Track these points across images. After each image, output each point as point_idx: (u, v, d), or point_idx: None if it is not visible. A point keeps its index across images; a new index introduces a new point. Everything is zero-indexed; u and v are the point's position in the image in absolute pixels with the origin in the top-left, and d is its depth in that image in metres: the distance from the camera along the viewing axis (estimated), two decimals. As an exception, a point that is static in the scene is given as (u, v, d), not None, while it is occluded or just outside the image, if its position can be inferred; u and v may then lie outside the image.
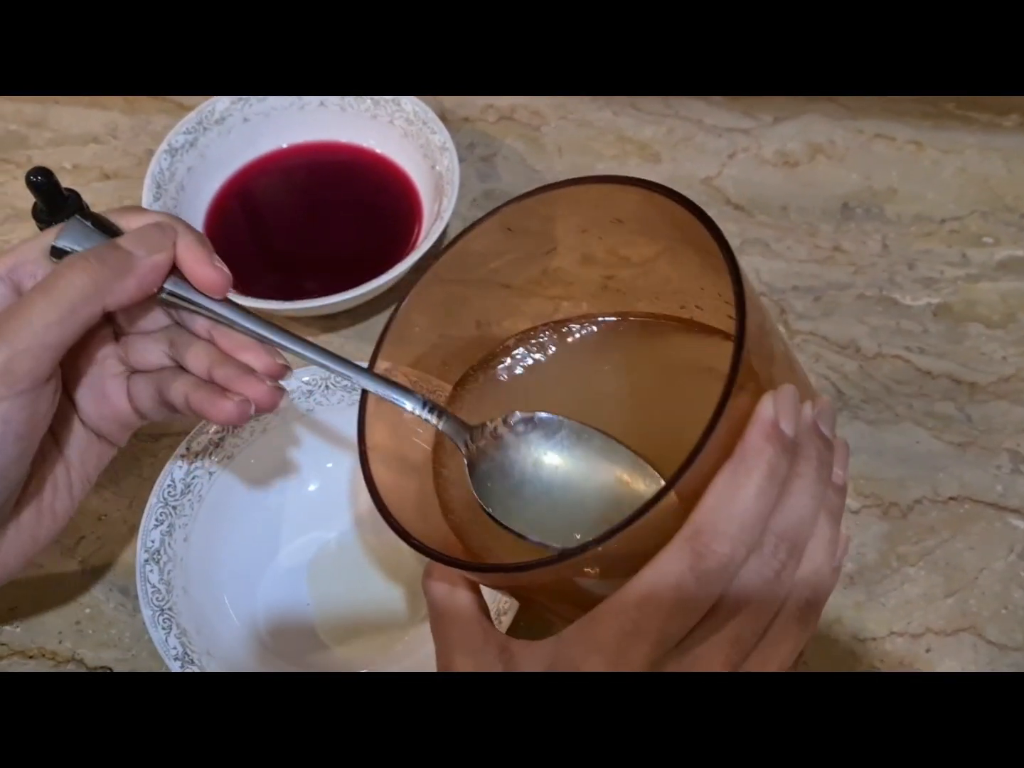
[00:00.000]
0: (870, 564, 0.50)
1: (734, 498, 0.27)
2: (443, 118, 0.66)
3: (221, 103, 0.59)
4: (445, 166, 0.57)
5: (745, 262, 0.50)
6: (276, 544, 0.49)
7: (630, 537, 0.26)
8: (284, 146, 0.62)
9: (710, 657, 0.28)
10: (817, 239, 0.61)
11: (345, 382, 0.49)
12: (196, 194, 0.59)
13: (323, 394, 0.49)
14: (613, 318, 0.40)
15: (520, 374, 0.40)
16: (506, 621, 0.42)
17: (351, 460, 0.48)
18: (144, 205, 0.55)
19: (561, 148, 0.66)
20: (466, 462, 0.36)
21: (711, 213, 0.30)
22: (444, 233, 0.62)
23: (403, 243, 0.58)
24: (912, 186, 0.64)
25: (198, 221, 0.59)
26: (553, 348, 0.40)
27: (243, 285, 0.57)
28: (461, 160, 0.64)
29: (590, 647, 0.28)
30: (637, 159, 0.65)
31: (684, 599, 0.27)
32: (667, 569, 0.27)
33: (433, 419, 0.36)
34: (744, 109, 0.67)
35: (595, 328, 0.40)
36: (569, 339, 0.40)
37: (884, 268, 0.60)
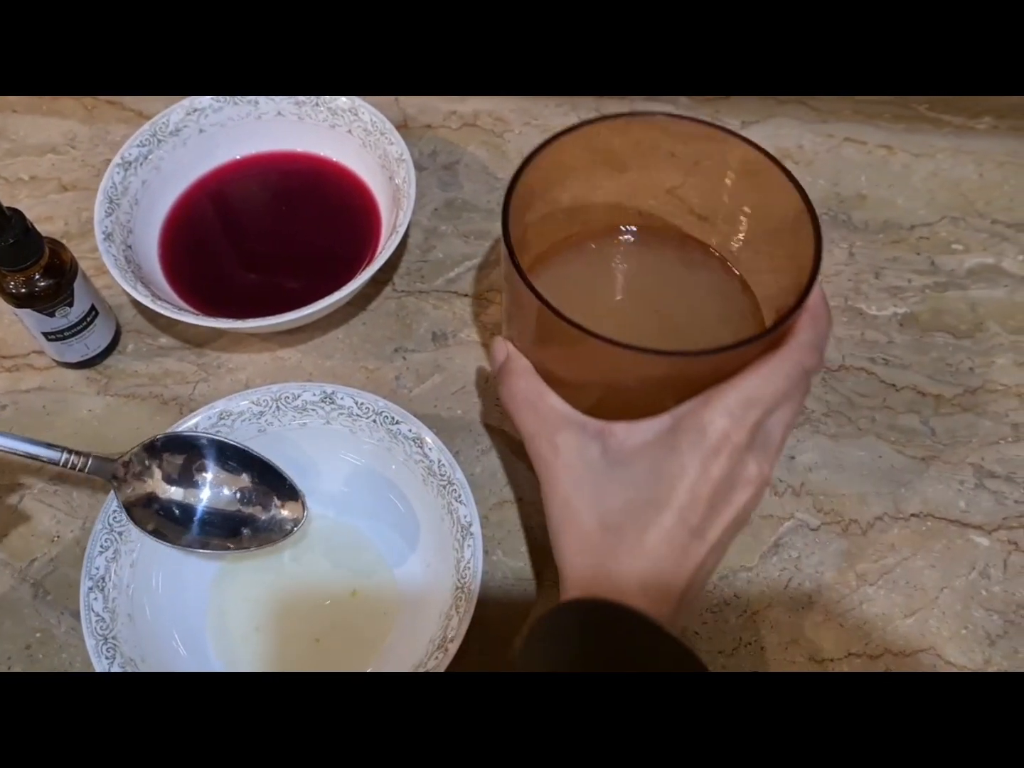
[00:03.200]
0: (828, 583, 0.50)
1: (820, 330, 0.41)
2: (405, 125, 0.65)
3: (175, 114, 0.58)
4: (402, 178, 0.56)
5: (701, 278, 0.50)
6: (226, 568, 0.48)
7: (736, 355, 0.39)
8: (240, 157, 0.61)
9: (788, 419, 0.41)
10: (783, 248, 0.60)
11: (295, 403, 0.49)
12: (151, 208, 0.58)
13: (273, 415, 0.49)
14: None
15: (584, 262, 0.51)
16: (452, 648, 0.42)
17: (301, 481, 0.48)
18: (96, 221, 0.55)
19: (524, 155, 0.65)
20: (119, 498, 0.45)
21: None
22: (403, 245, 0.61)
23: (360, 256, 0.58)
24: (881, 192, 0.63)
25: (153, 235, 0.58)
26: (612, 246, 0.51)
27: (196, 301, 0.56)
28: (423, 168, 0.64)
29: (718, 411, 0.38)
30: (605, 168, 0.64)
31: (789, 382, 0.39)
32: (779, 364, 0.39)
33: (79, 465, 0.45)
34: (711, 114, 0.66)
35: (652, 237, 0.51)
36: (620, 239, 0.51)
37: (850, 277, 0.59)
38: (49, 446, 0.45)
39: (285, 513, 0.47)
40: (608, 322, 0.41)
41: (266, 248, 0.59)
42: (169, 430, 0.47)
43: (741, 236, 0.49)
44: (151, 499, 0.46)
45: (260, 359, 0.57)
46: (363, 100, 0.59)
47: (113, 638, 0.43)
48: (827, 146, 0.65)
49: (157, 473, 0.47)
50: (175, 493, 0.46)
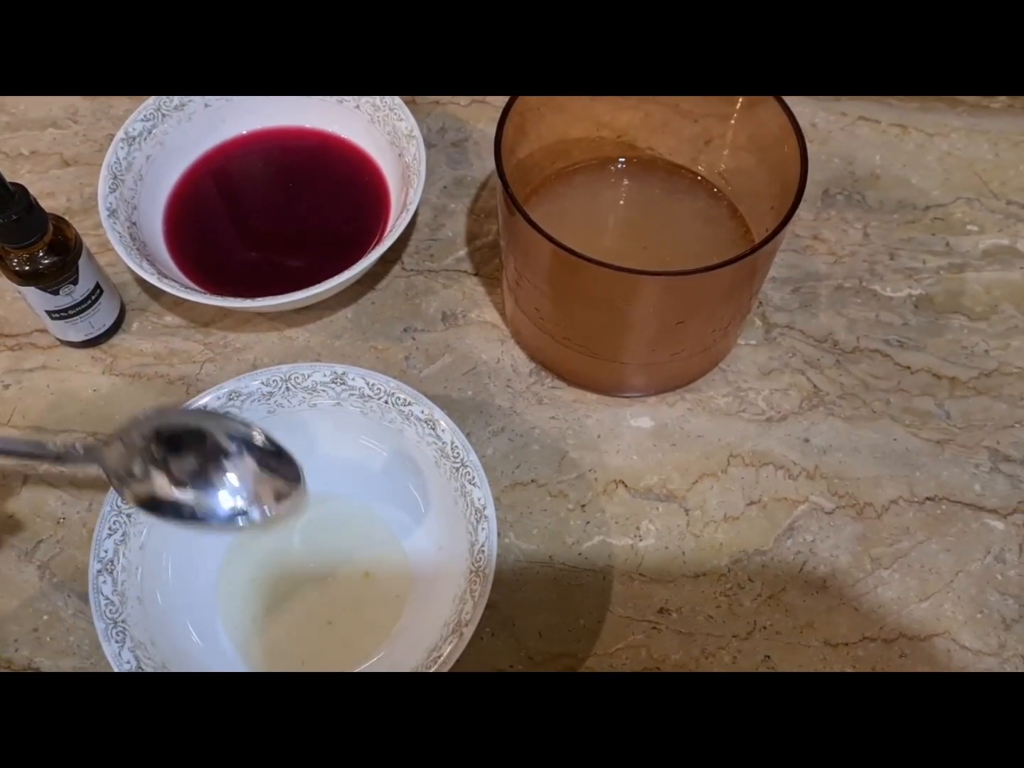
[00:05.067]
0: (843, 567, 0.49)
1: None
2: (413, 101, 0.64)
3: (180, 88, 0.57)
4: (412, 155, 0.55)
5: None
6: (235, 550, 0.48)
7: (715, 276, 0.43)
8: (246, 132, 0.60)
9: None
10: (796, 227, 0.59)
11: (305, 383, 0.48)
12: (156, 184, 0.57)
13: (283, 395, 0.48)
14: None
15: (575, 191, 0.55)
16: (467, 633, 0.42)
17: (311, 463, 0.47)
18: (100, 196, 0.54)
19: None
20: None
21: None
22: (412, 223, 0.60)
23: (369, 234, 0.57)
24: (896, 171, 0.62)
25: (157, 212, 0.57)
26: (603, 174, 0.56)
27: (202, 279, 0.55)
28: (432, 145, 0.63)
29: None
30: (611, 146, 0.63)
31: None
32: None
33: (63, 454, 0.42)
34: (724, 91, 0.65)
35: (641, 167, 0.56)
36: (613, 169, 0.56)
37: (864, 258, 0.59)
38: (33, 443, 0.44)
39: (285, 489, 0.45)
40: (601, 247, 0.45)
41: (273, 226, 0.58)
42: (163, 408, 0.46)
43: (728, 157, 0.54)
44: (147, 481, 0.43)
45: (267, 339, 0.56)
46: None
47: (123, 621, 0.43)
48: (841, 124, 0.64)
49: (153, 454, 0.43)
50: (174, 472, 0.43)
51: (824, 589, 0.49)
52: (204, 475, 0.44)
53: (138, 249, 0.53)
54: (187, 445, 0.44)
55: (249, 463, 0.43)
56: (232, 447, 0.44)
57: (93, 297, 0.53)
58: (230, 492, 0.43)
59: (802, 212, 0.60)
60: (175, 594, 0.46)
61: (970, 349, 0.56)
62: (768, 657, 0.47)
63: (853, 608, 0.48)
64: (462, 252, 0.59)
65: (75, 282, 0.51)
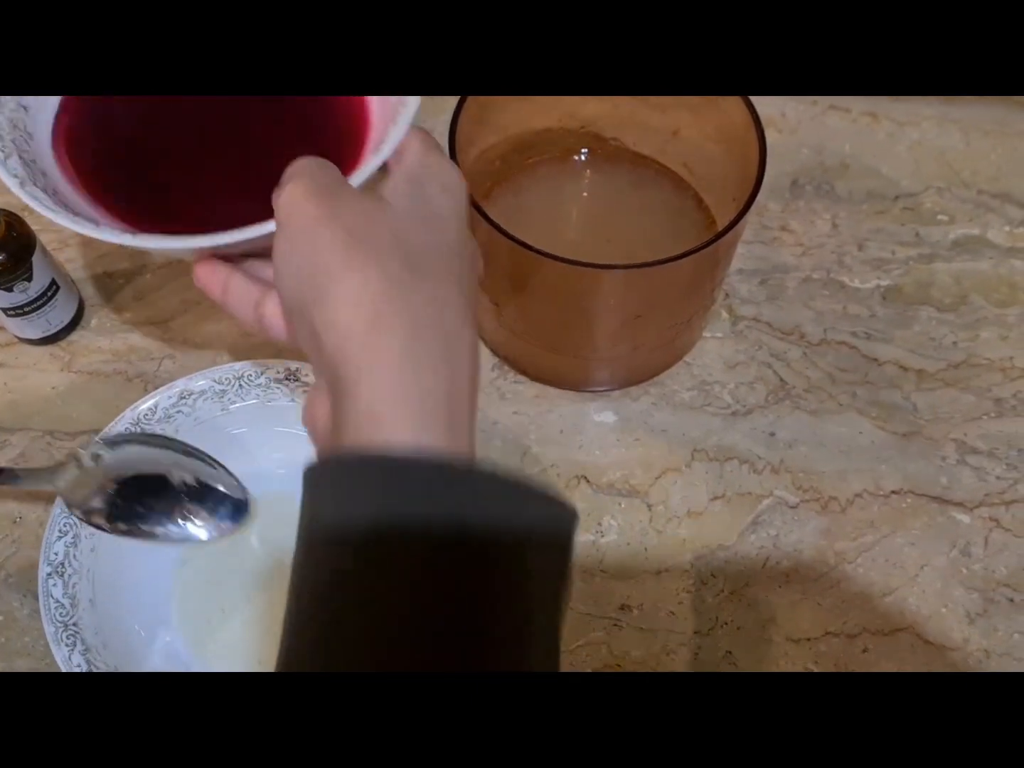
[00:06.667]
0: (807, 562, 0.49)
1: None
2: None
3: None
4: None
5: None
6: (191, 551, 0.47)
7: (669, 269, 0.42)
8: None
9: None
10: (764, 219, 0.59)
11: (258, 381, 0.47)
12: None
13: (236, 393, 0.47)
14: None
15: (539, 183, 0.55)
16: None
17: (262, 461, 0.47)
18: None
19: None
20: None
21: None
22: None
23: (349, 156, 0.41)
24: (866, 161, 0.61)
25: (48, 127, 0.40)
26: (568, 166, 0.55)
27: (118, 212, 0.39)
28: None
29: None
30: (576, 137, 0.62)
31: None
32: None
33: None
34: (693, 80, 0.64)
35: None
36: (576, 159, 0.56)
37: (833, 249, 0.58)
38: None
39: (227, 503, 0.46)
40: (565, 241, 0.45)
41: (211, 149, 0.43)
42: (104, 430, 0.46)
43: (695, 148, 0.53)
44: (98, 498, 0.44)
45: (228, 334, 0.55)
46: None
47: (74, 624, 0.42)
48: (811, 114, 0.63)
49: (101, 475, 0.45)
50: (123, 493, 0.45)
51: (787, 584, 0.48)
52: (157, 505, 0.45)
53: (36, 181, 0.38)
54: (140, 478, 0.44)
55: (195, 489, 0.43)
56: (182, 476, 0.44)
57: (49, 294, 0.52)
58: (179, 517, 0.43)
59: (770, 203, 0.59)
60: (129, 596, 0.45)
61: (938, 341, 0.55)
62: (730, 653, 0.47)
63: (816, 603, 0.48)
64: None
65: (29, 279, 0.50)
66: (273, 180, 0.37)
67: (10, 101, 0.39)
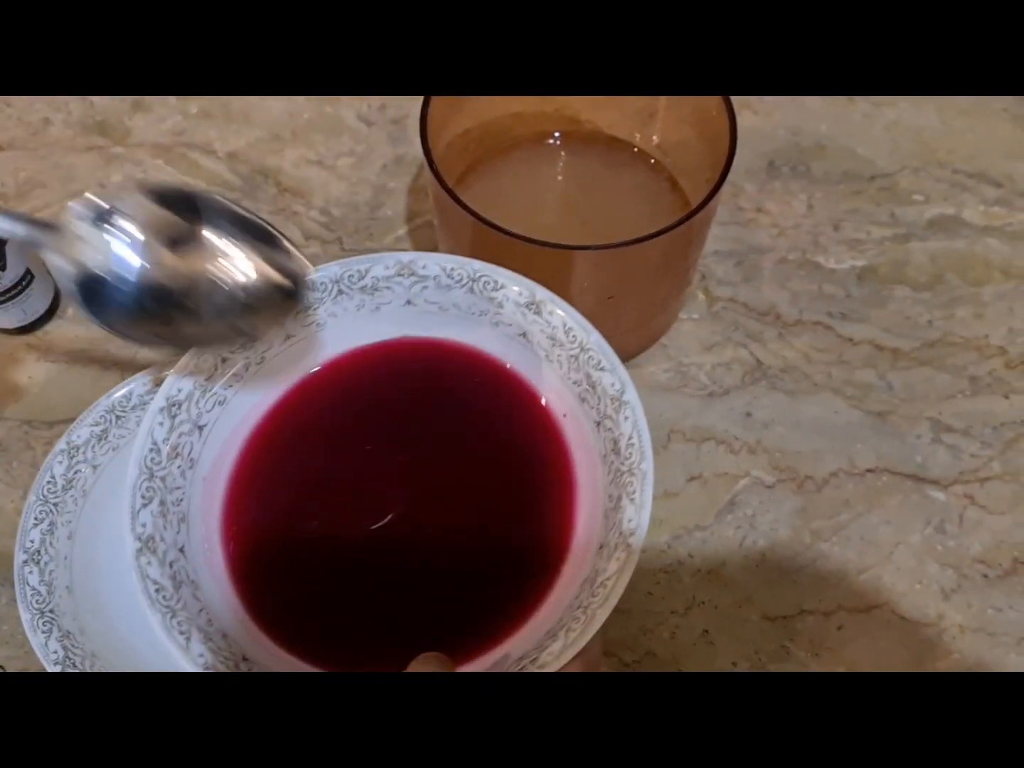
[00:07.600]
0: (783, 541, 0.49)
1: None
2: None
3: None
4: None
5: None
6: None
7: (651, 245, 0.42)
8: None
9: None
10: (740, 200, 0.59)
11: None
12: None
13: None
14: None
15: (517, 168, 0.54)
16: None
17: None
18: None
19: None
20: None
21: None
22: (352, 203, 0.59)
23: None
24: (842, 141, 0.61)
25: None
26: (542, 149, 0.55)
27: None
28: (371, 123, 0.62)
29: None
30: (551, 120, 0.62)
31: None
32: None
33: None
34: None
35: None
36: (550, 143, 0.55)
37: (808, 230, 0.58)
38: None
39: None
40: (540, 223, 0.44)
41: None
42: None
43: (670, 130, 0.53)
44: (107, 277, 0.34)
45: (205, 322, 0.55)
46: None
47: (50, 611, 0.42)
48: (787, 95, 0.63)
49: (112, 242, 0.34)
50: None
51: (763, 563, 0.49)
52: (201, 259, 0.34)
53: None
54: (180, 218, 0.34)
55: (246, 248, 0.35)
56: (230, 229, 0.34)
57: (23, 283, 0.52)
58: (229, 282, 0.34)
59: (746, 185, 0.59)
60: (108, 582, 0.45)
61: (913, 320, 0.55)
62: (706, 632, 0.47)
63: (792, 581, 0.48)
64: (402, 231, 0.58)
65: (2, 268, 0.50)
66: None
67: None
